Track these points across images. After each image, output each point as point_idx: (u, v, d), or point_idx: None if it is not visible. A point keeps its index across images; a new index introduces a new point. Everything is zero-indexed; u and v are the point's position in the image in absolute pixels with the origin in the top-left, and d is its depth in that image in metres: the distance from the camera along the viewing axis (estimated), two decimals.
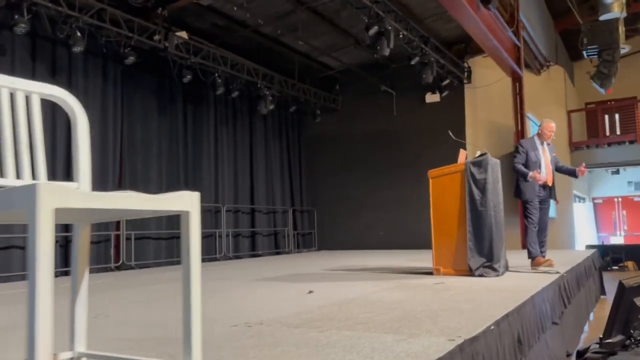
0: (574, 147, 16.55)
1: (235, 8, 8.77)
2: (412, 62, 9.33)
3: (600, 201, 20.82)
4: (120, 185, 8.40)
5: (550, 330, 4.43)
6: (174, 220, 9.20)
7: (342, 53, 12.01)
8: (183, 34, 8.48)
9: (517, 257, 6.98)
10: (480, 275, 5.30)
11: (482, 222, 5.40)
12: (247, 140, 11.32)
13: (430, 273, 5.63)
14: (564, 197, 16.08)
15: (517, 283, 4.67)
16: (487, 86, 12.45)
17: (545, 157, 6.34)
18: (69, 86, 7.76)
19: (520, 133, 12.01)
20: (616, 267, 15.27)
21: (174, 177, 9.36)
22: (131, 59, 7.71)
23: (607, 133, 16.96)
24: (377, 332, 2.58)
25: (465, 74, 12.22)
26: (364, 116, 13.21)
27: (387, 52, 7.76)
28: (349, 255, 10.24)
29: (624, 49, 14.03)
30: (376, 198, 12.89)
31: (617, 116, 17.23)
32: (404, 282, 5.03)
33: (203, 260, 9.39)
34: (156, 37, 7.90)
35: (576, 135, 17.18)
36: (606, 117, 17.38)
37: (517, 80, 11.90)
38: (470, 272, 5.36)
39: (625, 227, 20.12)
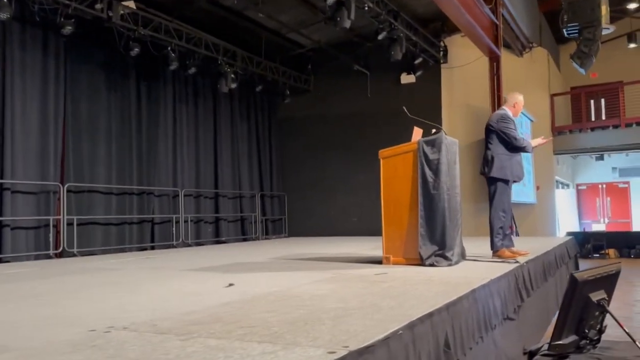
0: (557, 131, 16.08)
1: None
2: (380, 37, 8.77)
3: (585, 187, 20.45)
4: (62, 165, 7.83)
5: (501, 327, 3.97)
6: (125, 205, 8.67)
7: (313, 30, 11.42)
8: (130, 4, 7.87)
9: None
10: (432, 265, 4.82)
11: (435, 207, 4.90)
12: (211, 120, 10.74)
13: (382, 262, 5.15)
14: (545, 183, 15.66)
15: (466, 274, 4.18)
16: (464, 66, 11.93)
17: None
18: (3, 58, 7.16)
19: None
20: (597, 255, 14.93)
21: (125, 158, 8.79)
22: (68, 29, 7.09)
23: (593, 118, 16.48)
24: (252, 340, 2.07)
25: (441, 53, 11.67)
26: (338, 97, 12.65)
27: (347, 23, 7.20)
28: (317, 242, 9.76)
29: (608, 29, 13.49)
30: (350, 183, 12.37)
31: (602, 101, 16.74)
32: (345, 272, 4.54)
33: (158, 247, 8.90)
34: (98, 6, 7.28)
35: (560, 120, 16.71)
36: (592, 102, 16.89)
37: (494, 60, 11.37)
38: (421, 262, 4.88)
39: (609, 214, 19.77)
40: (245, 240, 11.26)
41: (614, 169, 19.43)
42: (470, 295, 3.28)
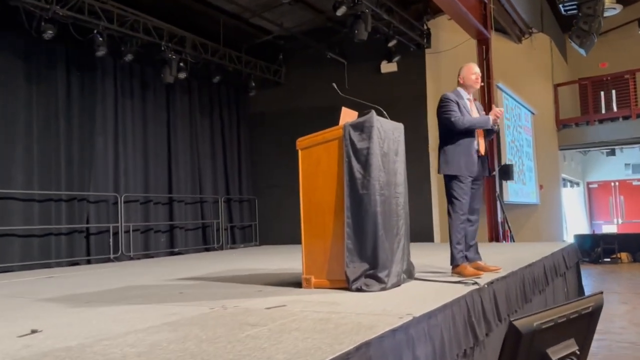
0: (562, 124, 14.69)
1: None
2: (338, 13, 7.56)
3: (596, 186, 19.00)
4: None
5: None
6: (50, 213, 7.55)
7: (279, 15, 10.23)
8: None
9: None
10: (359, 290, 3.60)
11: (364, 212, 3.68)
12: (163, 116, 9.57)
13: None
14: (550, 181, 14.28)
15: (389, 306, 2.95)
16: (451, 52, 10.65)
17: (475, 115, 4.63)
18: None
19: (488, 106, 10.21)
20: (608, 260, 13.52)
21: (50, 160, 7.64)
22: None
23: (603, 110, 15.01)
24: None
25: (425, 37, 10.42)
26: (313, 89, 11.41)
27: None
28: (280, 252, 8.56)
29: (614, 9, 12.13)
30: None
31: (613, 92, 15.26)
32: (236, 303, 3.34)
33: (95, 261, 7.74)
34: None
35: (566, 112, 15.31)
36: (602, 93, 15.42)
37: (483, 42, 10.10)
38: (348, 285, 3.66)
39: (623, 214, 18.29)
40: (207, 250, 10.08)
41: (627, 165, 17.96)
42: (355, 355, 2.06)
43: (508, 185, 10.83)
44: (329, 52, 10.74)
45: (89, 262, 8.01)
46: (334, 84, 4.43)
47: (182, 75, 8.82)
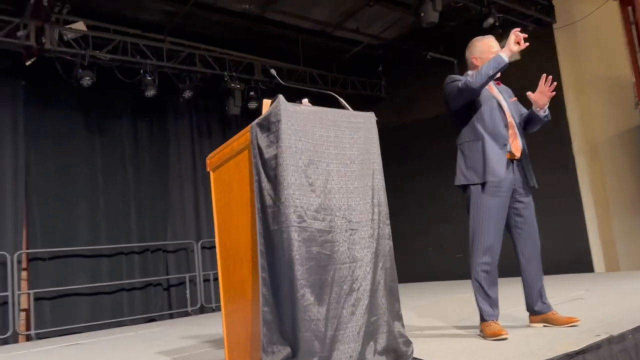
0: None
1: None
2: None
3: None
4: (26, 230, 6.63)
5: None
6: (121, 268, 7.19)
7: (366, 22, 8.99)
8: (80, 25, 6.48)
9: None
10: None
11: (277, 260, 2.25)
12: None
13: None
14: None
15: None
16: (583, 21, 8.27)
17: (501, 98, 3.20)
18: None
19: (638, 86, 7.58)
20: None
21: (117, 212, 7.29)
22: None
23: None
24: None
25: (547, 11, 8.26)
26: (419, 100, 9.80)
27: None
28: None
29: None
30: (448, 208, 9.18)
31: None
32: None
33: (177, 315, 7.14)
34: (20, 33, 5.99)
35: None
36: None
37: (627, 2, 7.60)
38: None
39: None
40: None
41: None
42: None
43: None
44: (430, 53, 9.11)
45: (171, 316, 7.47)
46: (272, 70, 3.06)
47: (253, 105, 8.02)
